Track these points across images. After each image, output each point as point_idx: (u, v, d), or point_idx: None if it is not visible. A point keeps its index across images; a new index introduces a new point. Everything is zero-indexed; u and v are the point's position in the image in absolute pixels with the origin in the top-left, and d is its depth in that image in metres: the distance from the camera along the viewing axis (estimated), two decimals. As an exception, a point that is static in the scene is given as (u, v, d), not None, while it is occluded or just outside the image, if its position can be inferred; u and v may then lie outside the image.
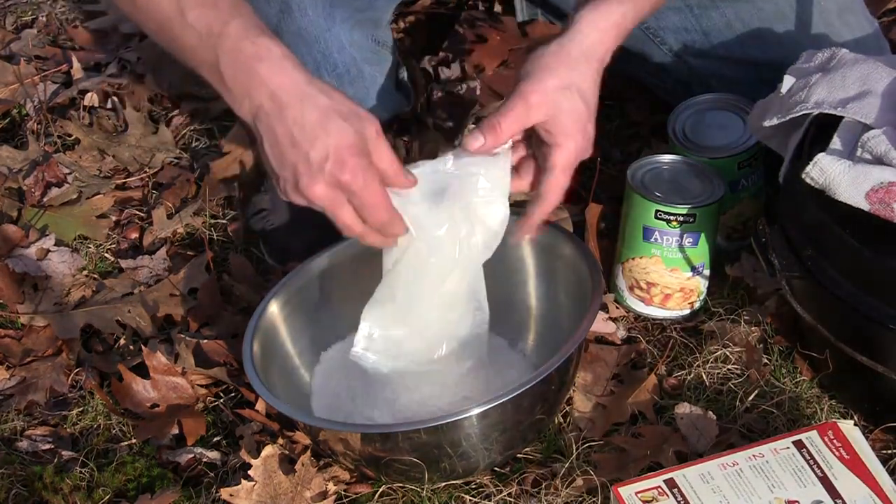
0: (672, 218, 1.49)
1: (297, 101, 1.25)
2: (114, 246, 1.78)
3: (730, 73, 1.66)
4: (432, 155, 1.38)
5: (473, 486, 1.38)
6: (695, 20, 1.67)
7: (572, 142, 1.31)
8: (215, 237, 1.76)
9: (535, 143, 1.36)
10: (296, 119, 1.25)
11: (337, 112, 1.25)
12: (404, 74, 1.73)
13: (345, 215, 1.28)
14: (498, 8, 2.01)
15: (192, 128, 1.96)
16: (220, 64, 1.27)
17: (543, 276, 1.50)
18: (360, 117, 1.27)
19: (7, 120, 2.04)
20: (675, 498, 1.24)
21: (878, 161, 1.30)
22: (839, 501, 1.23)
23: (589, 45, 1.33)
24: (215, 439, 1.48)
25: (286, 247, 1.65)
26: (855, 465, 1.26)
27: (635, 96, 1.86)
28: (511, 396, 1.29)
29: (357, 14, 1.59)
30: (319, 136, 1.24)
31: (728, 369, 1.48)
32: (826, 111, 1.37)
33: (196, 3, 1.29)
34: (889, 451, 1.37)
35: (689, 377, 1.48)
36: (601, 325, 1.53)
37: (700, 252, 1.52)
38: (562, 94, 1.30)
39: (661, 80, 1.76)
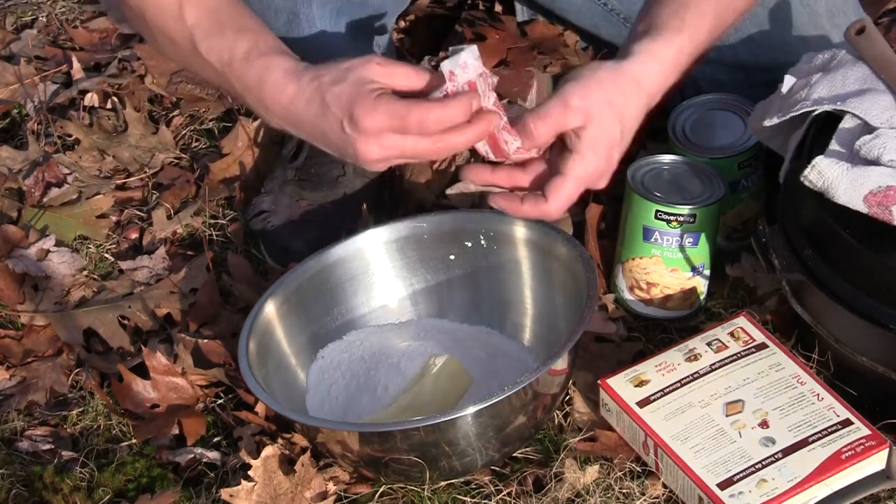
0: (672, 218, 1.49)
1: (298, 109, 1.27)
2: (114, 246, 1.78)
3: (720, 76, 1.66)
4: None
5: (473, 486, 1.38)
6: None
7: (594, 157, 1.27)
8: (215, 237, 1.77)
9: (554, 153, 1.33)
10: (308, 124, 1.27)
11: (326, 89, 1.25)
12: None
13: (417, 149, 1.26)
14: (498, 8, 2.01)
15: (192, 128, 1.96)
16: (238, 91, 1.31)
17: (539, 277, 1.50)
18: (352, 70, 1.26)
19: (7, 120, 2.04)
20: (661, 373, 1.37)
21: (875, 164, 1.30)
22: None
23: (644, 74, 1.29)
24: (215, 440, 1.48)
25: (286, 248, 1.65)
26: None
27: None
28: (505, 396, 1.29)
29: (362, 23, 1.59)
30: (328, 112, 1.25)
31: (728, 369, 1.48)
32: (825, 107, 1.37)
33: (205, 34, 1.32)
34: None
35: (688, 377, 1.48)
36: (601, 325, 1.53)
37: (700, 252, 1.52)
38: (603, 108, 1.27)
39: None
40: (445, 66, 1.24)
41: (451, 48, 1.25)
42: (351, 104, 1.23)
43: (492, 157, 1.32)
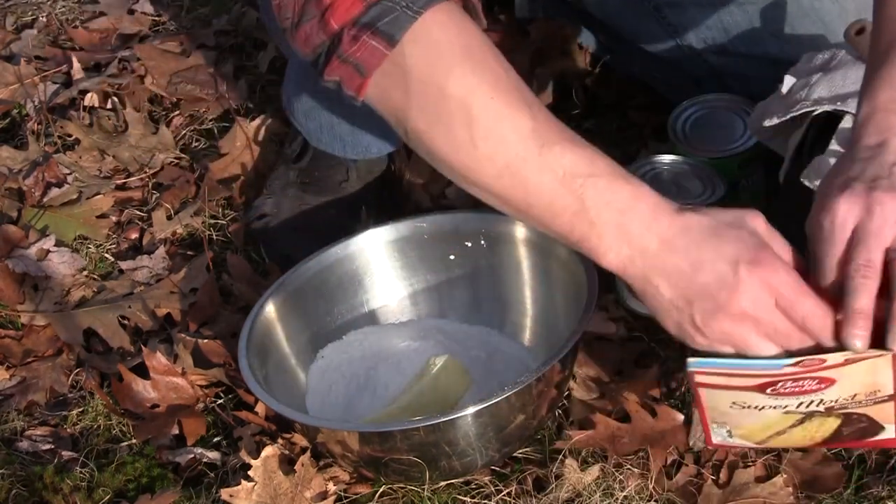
0: (672, 218, 1.49)
1: (685, 231, 1.19)
2: (114, 246, 1.78)
3: (747, 71, 1.65)
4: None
5: (473, 486, 1.38)
6: (717, 17, 1.66)
7: None
8: (215, 237, 1.77)
9: None
10: (689, 246, 1.18)
11: (723, 223, 1.19)
12: None
13: (775, 321, 1.16)
14: (497, 8, 2.00)
15: (192, 128, 1.96)
16: (590, 209, 1.18)
17: (539, 277, 1.50)
18: (745, 217, 1.20)
19: (7, 120, 2.04)
20: None
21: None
22: None
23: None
24: (215, 439, 1.48)
25: (287, 252, 1.64)
26: None
27: (635, 98, 1.86)
28: (505, 396, 1.29)
29: None
30: (722, 247, 1.17)
31: (728, 369, 1.48)
32: (825, 107, 1.37)
33: (555, 139, 1.20)
34: (890, 452, 1.37)
35: (689, 377, 1.48)
36: (601, 324, 1.53)
37: (700, 252, 1.52)
38: None
39: (671, 77, 1.75)
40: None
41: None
42: (757, 250, 1.17)
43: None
